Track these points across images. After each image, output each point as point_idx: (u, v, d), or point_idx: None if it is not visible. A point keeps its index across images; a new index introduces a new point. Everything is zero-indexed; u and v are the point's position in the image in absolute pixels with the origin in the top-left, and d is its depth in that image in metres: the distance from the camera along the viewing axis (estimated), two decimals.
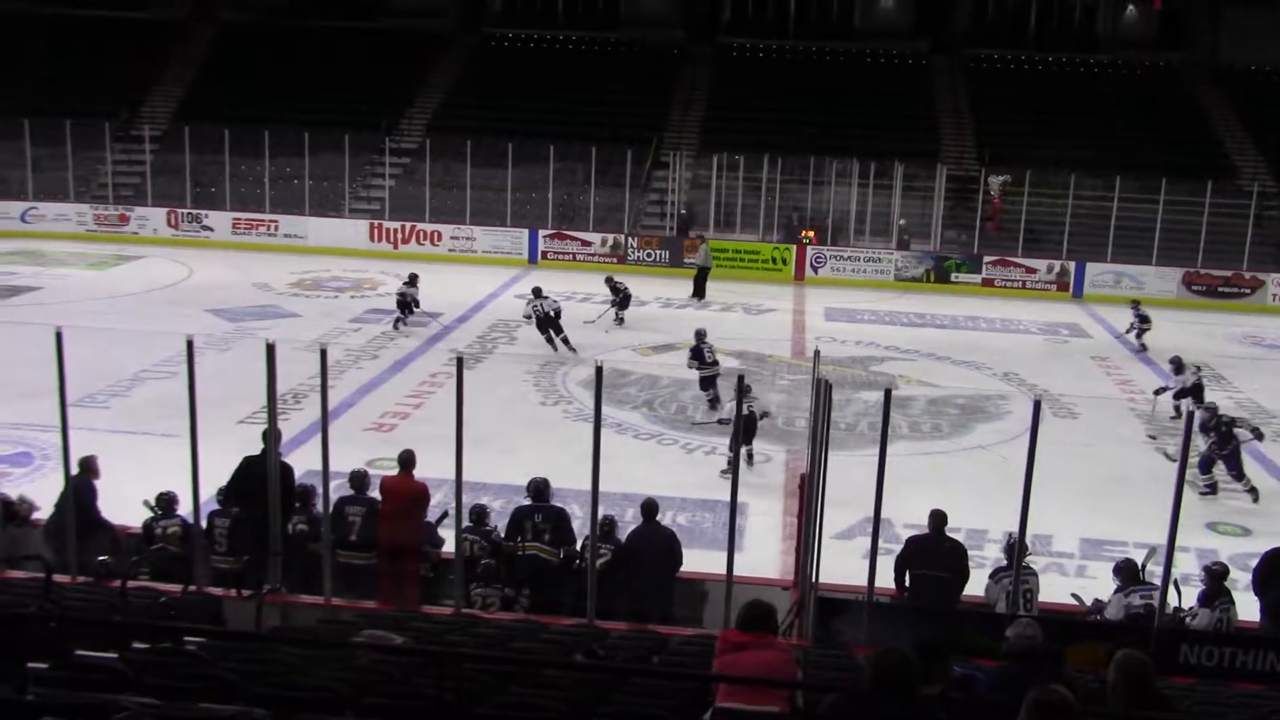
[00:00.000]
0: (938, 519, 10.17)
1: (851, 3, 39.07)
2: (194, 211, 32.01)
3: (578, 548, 10.44)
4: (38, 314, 21.26)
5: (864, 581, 8.81)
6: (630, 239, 30.83)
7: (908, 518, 12.13)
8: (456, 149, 31.67)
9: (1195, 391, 17.72)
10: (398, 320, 22.86)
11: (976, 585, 10.12)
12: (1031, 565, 10.00)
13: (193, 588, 9.04)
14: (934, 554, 9.95)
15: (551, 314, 21.12)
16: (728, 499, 9.16)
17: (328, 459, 9.38)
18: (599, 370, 8.99)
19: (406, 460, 10.71)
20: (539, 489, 10.82)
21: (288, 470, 10.63)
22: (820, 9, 39.15)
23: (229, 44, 37.79)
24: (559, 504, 10.95)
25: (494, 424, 16.13)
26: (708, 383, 18.04)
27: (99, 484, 10.51)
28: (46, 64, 35.00)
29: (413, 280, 23.21)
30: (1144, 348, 23.32)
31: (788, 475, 15.39)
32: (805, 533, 9.40)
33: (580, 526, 10.91)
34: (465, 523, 9.95)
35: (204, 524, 9.99)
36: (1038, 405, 8.34)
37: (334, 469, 9.66)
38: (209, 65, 37.13)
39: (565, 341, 20.94)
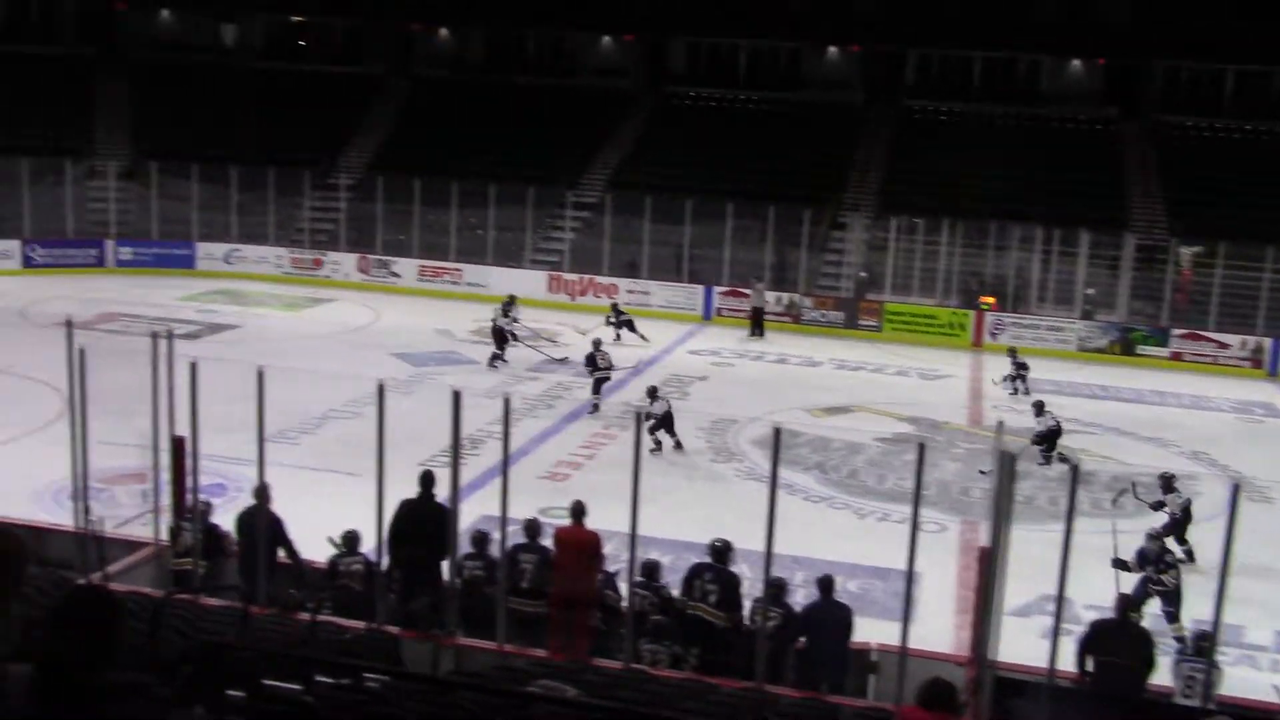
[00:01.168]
0: (1124, 603, 9.74)
1: (1039, 68, 38.33)
2: (383, 258, 33.20)
3: (745, 614, 10.30)
4: (235, 351, 22.26)
5: (1042, 661, 8.47)
6: (805, 298, 30.69)
7: (1089, 597, 11.68)
8: (636, 205, 32.10)
9: None
10: (494, 357, 23.50)
11: (1164, 673, 9.65)
12: (1220, 656, 9.48)
13: (374, 625, 9.24)
14: (1119, 639, 9.53)
15: (663, 415, 20.18)
16: (900, 566, 8.96)
17: (506, 505, 9.51)
18: (776, 432, 8.92)
19: (579, 510, 10.79)
20: (719, 551, 10.65)
21: (444, 513, 10.83)
22: (1006, 73, 38.53)
23: (424, 99, 39.22)
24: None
25: (666, 478, 16.17)
26: (599, 385, 20.96)
27: (283, 514, 10.85)
28: (255, 115, 36.86)
29: (509, 304, 24.07)
30: None
31: (961, 546, 14.99)
32: (984, 608, 9.09)
33: (750, 587, 10.81)
34: (637, 577, 9.96)
35: (384, 564, 10.22)
36: (1236, 489, 7.94)
37: (508, 515, 9.79)
38: (404, 118, 38.60)
39: (677, 445, 18.94)
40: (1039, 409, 19.27)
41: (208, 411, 10.40)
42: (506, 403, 9.36)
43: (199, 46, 41.57)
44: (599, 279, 31.77)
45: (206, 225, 34.16)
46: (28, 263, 32.44)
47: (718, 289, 31.07)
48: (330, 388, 20.61)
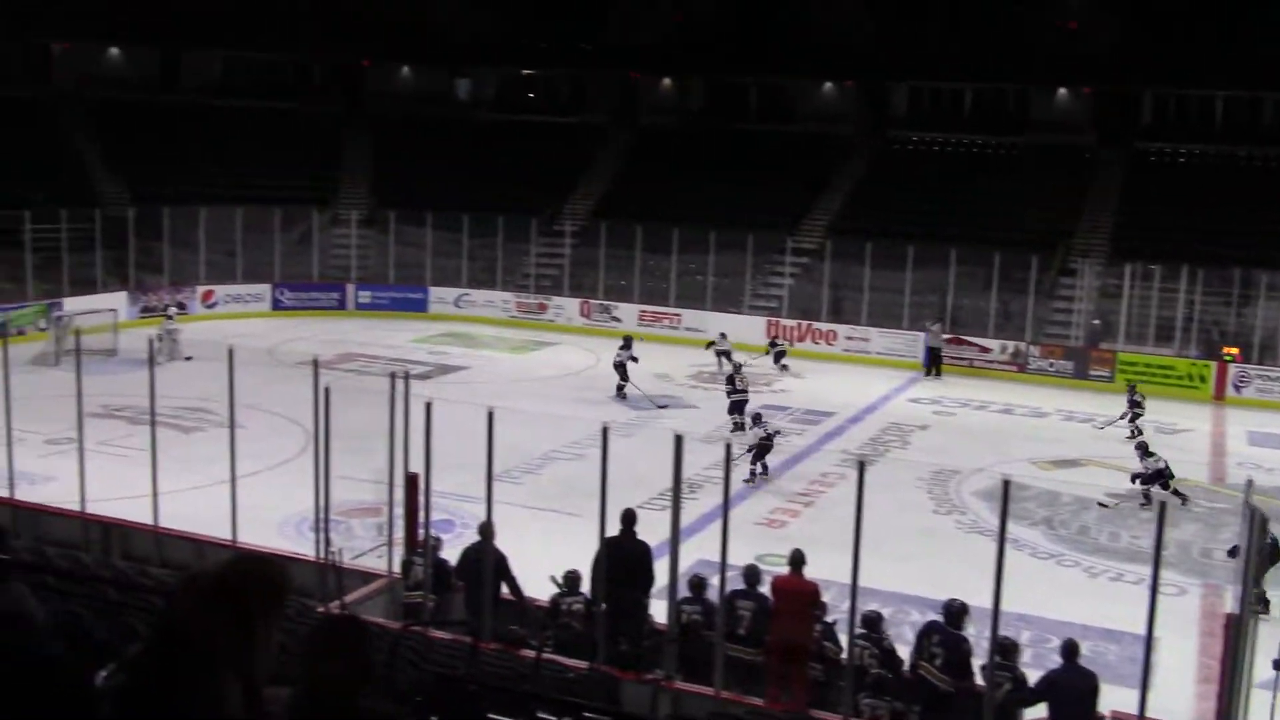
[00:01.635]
0: None
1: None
2: (605, 303, 33.86)
3: (977, 678, 9.91)
4: (463, 392, 23.06)
5: None
6: (1031, 347, 29.71)
7: None
8: (856, 250, 31.82)
9: None
10: (619, 389, 24.70)
11: None
12: None
13: (595, 665, 9.35)
14: None
15: (760, 445, 19.48)
16: (1134, 630, 8.52)
17: (726, 551, 9.51)
18: (1005, 485, 8.65)
19: (798, 560, 10.68)
20: (952, 613, 10.17)
21: (646, 551, 10.87)
22: (1251, 112, 36.56)
23: (646, 146, 39.91)
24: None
25: (885, 529, 15.86)
26: (736, 407, 22.16)
27: (507, 551, 11.10)
28: (487, 165, 38.21)
29: (628, 343, 25.33)
30: None
31: (1202, 611, 14.17)
32: (1231, 679, 8.55)
33: (974, 643, 10.44)
34: (858, 629, 9.78)
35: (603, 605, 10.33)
36: None
37: (726, 560, 9.78)
38: (627, 166, 39.36)
39: (753, 474, 19.25)
40: (1144, 451, 19.10)
41: (439, 449, 10.80)
42: (728, 450, 9.42)
43: (435, 100, 43.53)
44: (818, 325, 31.56)
45: (439, 270, 35.59)
46: (276, 305, 34.54)
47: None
48: (552, 429, 21.09)
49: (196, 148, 37.27)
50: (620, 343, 25.88)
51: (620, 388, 25.00)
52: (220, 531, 12.58)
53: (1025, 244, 31.31)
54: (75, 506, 13.52)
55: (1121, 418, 23.57)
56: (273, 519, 15.52)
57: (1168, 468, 18.66)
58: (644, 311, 33.27)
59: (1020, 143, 37.38)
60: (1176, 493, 18.53)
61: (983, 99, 39.14)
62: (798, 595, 10.41)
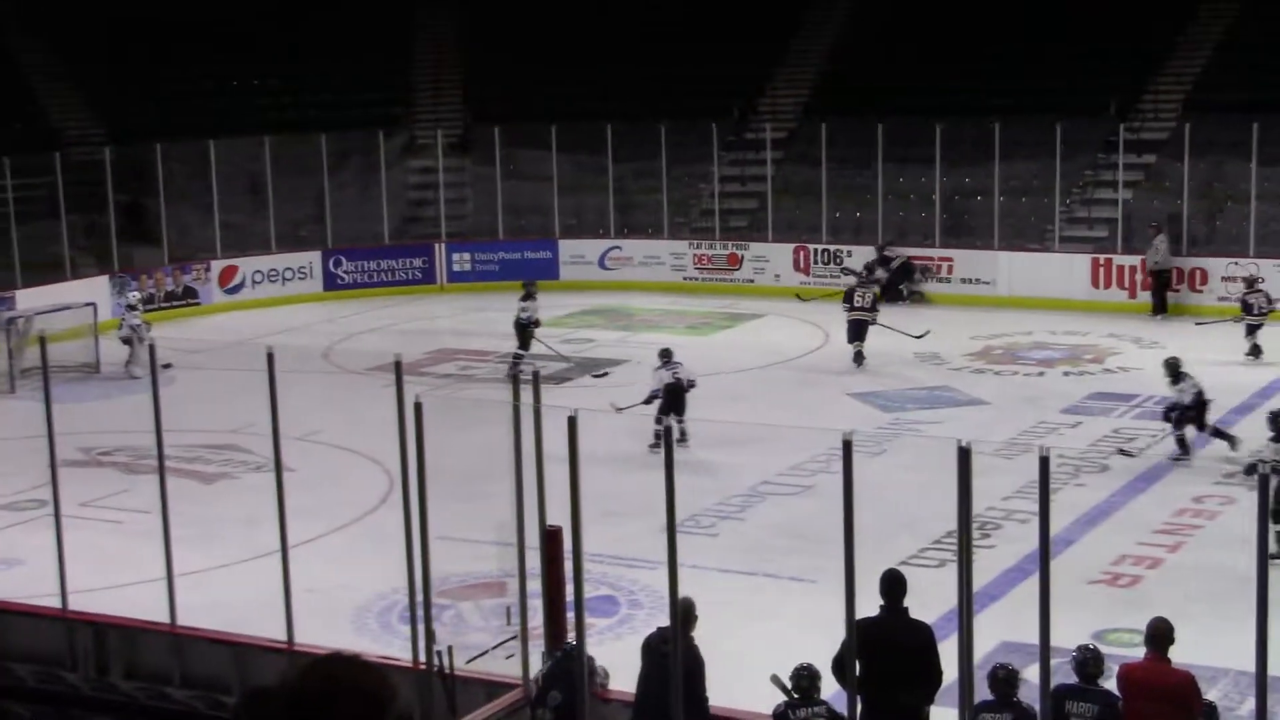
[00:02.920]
0: None
1: None
2: (832, 248, 33.82)
3: None
4: (624, 395, 23.24)
5: None
6: None
7: None
8: (1229, 131, 31.02)
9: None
10: (515, 359, 25.59)
11: None
12: None
13: None
14: None
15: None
16: None
17: (1047, 628, 9.39)
18: None
19: (1160, 635, 10.51)
20: None
21: (924, 635, 10.80)
22: None
23: (879, 3, 39.38)
24: None
25: None
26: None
27: (701, 640, 11.11)
28: (635, 51, 38.13)
29: (528, 294, 26.69)
30: None
31: None
32: None
33: None
34: None
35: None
36: None
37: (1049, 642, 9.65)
38: (854, 29, 38.90)
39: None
40: (1174, 372, 21.09)
41: (590, 490, 10.89)
42: (1044, 464, 9.25)
43: None
44: (1179, 261, 30.59)
45: (573, 215, 36.28)
46: (330, 282, 35.53)
47: None
48: (761, 449, 21.07)
49: (198, 52, 38.17)
50: (521, 293, 26.86)
51: (516, 360, 25.44)
52: (269, 629, 12.84)
53: None
54: (53, 602, 13.75)
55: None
56: (345, 606, 15.83)
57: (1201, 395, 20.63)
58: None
59: None
60: (1220, 434, 20.75)
61: None
62: (1162, 691, 10.27)
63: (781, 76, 38.65)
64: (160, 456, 13.27)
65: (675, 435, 21.35)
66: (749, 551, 17.50)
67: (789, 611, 15.26)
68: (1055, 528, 17.77)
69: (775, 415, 23.15)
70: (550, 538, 11.79)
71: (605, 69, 37.54)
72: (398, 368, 11.94)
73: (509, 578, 12.00)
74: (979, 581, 13.25)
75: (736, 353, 28.46)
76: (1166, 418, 21.10)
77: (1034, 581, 9.77)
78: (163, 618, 13.35)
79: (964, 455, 9.35)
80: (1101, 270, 31.39)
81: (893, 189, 34.09)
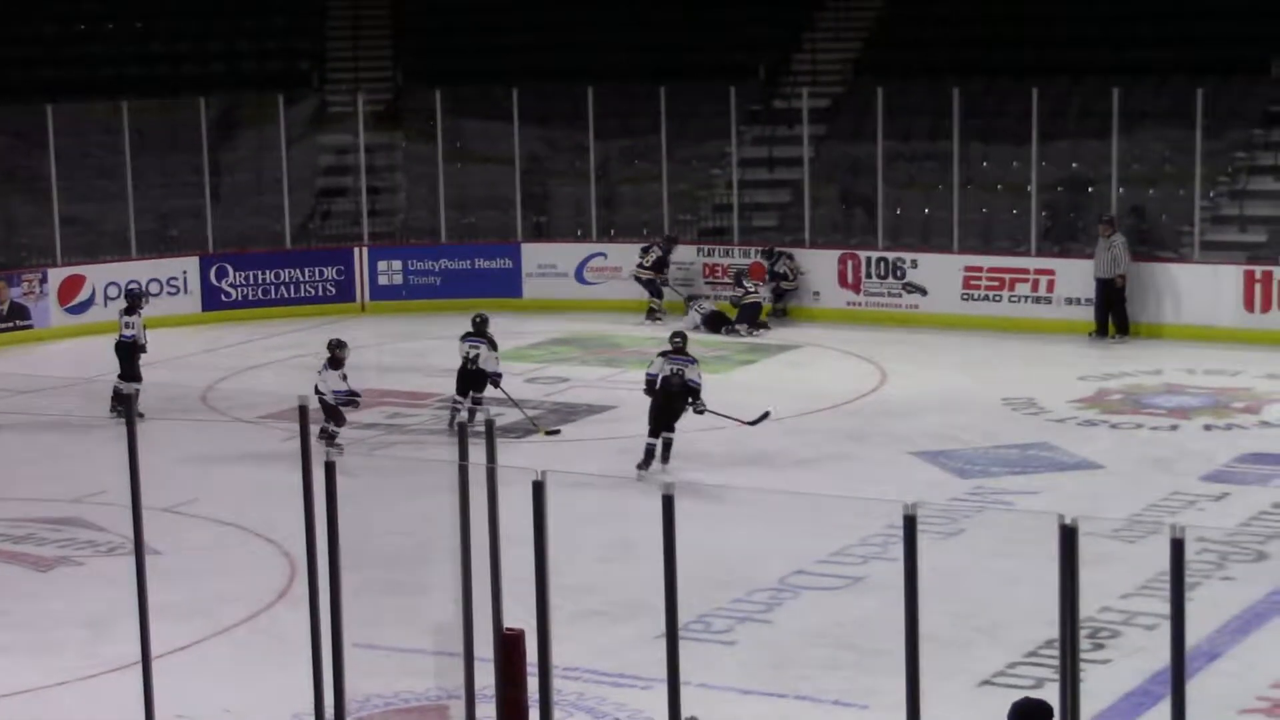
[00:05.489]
0: None
1: None
2: (889, 256, 33.86)
3: None
4: (603, 457, 23.12)
5: None
6: None
7: None
8: None
9: None
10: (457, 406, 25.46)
11: None
12: None
13: None
14: None
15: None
16: None
17: None
18: None
19: None
20: None
21: None
22: None
23: None
24: None
25: None
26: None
27: None
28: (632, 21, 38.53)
29: (479, 328, 26.61)
30: None
31: None
32: None
33: None
34: None
35: None
36: None
37: None
38: None
39: None
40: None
41: (561, 579, 10.88)
42: (1177, 550, 9.25)
43: None
44: None
45: (540, 210, 36.52)
46: (212, 300, 35.51)
47: None
48: (794, 526, 21.04)
49: None
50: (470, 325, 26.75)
51: (458, 406, 25.70)
52: None
53: None
54: None
55: None
56: None
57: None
58: (971, 271, 33.15)
59: None
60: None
61: None
62: None
63: (823, 25, 38.76)
64: None
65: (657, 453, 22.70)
66: (778, 666, 17.46)
67: None
68: (1193, 636, 17.79)
69: (813, 481, 23.21)
70: (509, 645, 11.79)
71: (585, 13, 37.61)
72: (302, 415, 11.97)
73: (451, 699, 11.98)
74: (1091, 708, 13.25)
75: (762, 396, 28.33)
76: None
77: (1165, 710, 9.75)
78: None
79: (1069, 536, 9.38)
80: (1258, 287, 31.44)
81: (974, 175, 34.16)
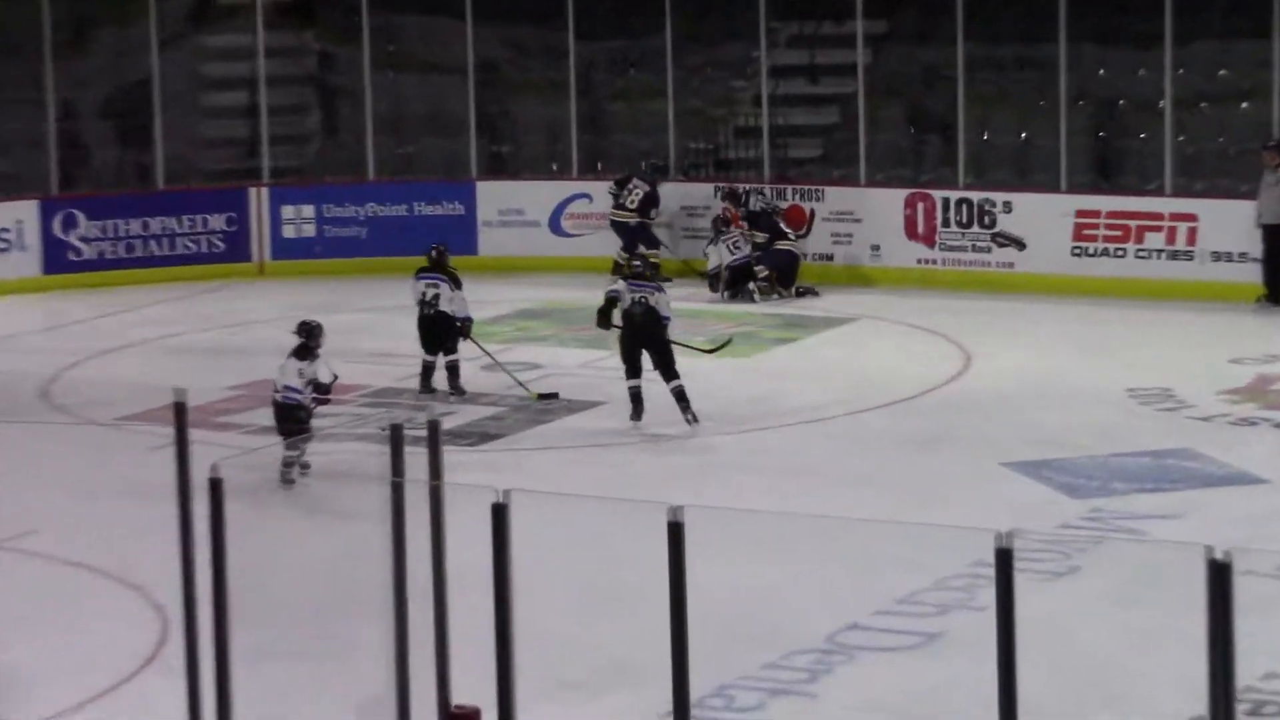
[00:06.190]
0: None
1: None
2: (974, 196, 34.03)
3: None
4: (592, 469, 23.30)
5: None
6: None
7: None
8: None
9: None
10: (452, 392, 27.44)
11: None
12: None
13: None
14: None
15: None
16: None
17: None
18: None
19: None
20: None
21: None
22: None
23: None
24: None
25: None
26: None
27: None
28: None
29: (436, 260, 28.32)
30: None
31: None
32: None
33: None
34: None
35: None
36: None
37: None
38: None
39: None
40: None
41: (532, 631, 10.89)
42: None
43: None
44: None
45: (503, 139, 36.84)
46: (57, 259, 35.80)
47: None
48: (846, 564, 21.07)
49: None
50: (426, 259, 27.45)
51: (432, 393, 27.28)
52: None
53: None
54: None
55: None
56: None
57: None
58: (1086, 215, 33.26)
59: None
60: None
61: None
62: None
63: None
64: None
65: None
66: None
67: None
68: None
69: (873, 503, 23.18)
70: None
71: None
72: (178, 414, 11.96)
73: None
74: None
75: (802, 385, 28.50)
76: None
77: None
78: None
79: (1220, 574, 9.39)
80: None
81: (1087, 88, 34.25)
